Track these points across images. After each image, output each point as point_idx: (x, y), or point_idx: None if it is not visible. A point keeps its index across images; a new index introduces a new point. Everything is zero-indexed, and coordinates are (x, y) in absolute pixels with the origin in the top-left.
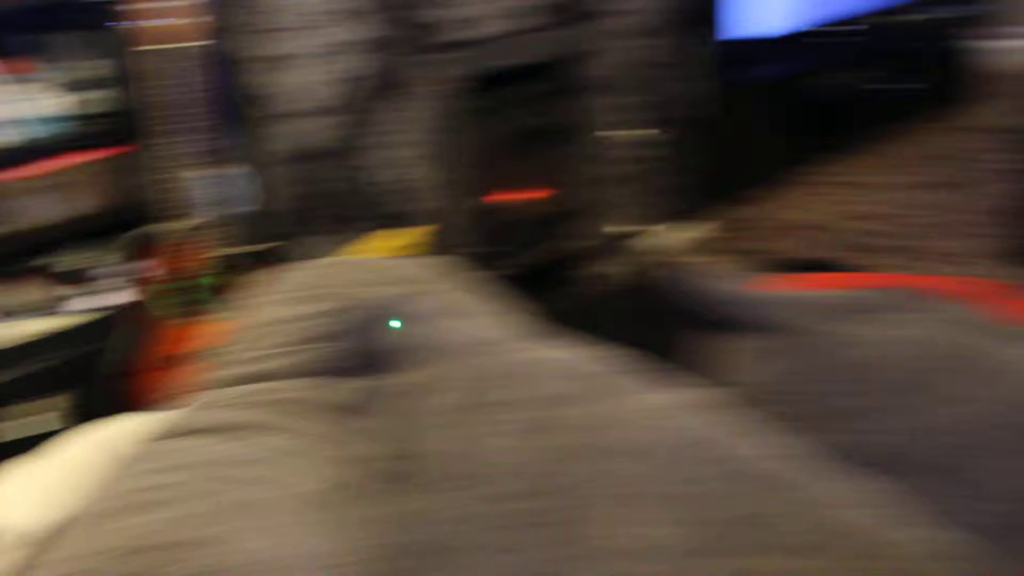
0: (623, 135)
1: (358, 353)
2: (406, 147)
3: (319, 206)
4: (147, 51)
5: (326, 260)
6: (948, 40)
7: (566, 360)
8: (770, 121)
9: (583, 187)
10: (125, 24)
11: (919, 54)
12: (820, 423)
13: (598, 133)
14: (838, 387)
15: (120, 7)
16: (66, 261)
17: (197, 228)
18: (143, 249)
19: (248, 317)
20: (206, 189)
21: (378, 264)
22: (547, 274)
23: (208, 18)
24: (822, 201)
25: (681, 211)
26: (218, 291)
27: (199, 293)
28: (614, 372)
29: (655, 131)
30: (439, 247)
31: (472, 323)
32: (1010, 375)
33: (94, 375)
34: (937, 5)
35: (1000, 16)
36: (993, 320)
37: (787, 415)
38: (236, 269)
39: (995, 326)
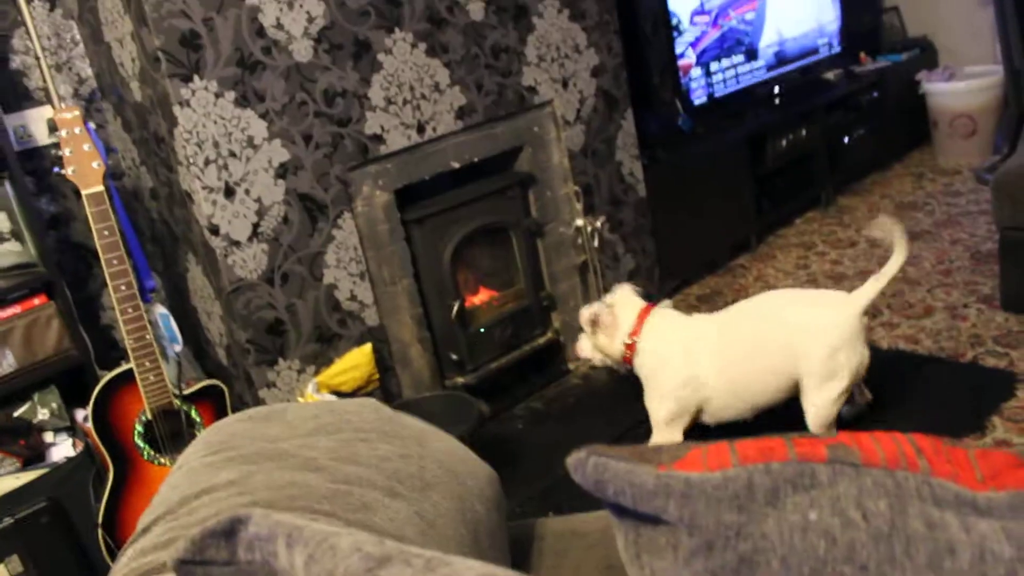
0: (576, 224)
1: None
2: (343, 266)
3: (259, 337)
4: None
5: (245, 413)
6: (896, 86)
7: None
8: (727, 187)
9: (545, 280)
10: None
11: (872, 103)
12: None
13: (551, 225)
14: None
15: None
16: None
17: (148, 369)
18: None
19: (161, 490)
20: (156, 329)
21: (298, 412)
22: (521, 373)
23: (117, 159)
24: (789, 264)
25: (644, 293)
26: (158, 437)
27: (143, 440)
28: None
29: (603, 217)
30: (388, 364)
31: (345, 542)
32: (963, 553)
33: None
34: (883, 55)
35: (942, 59)
36: (935, 486)
37: None
38: (174, 414)
39: (937, 493)
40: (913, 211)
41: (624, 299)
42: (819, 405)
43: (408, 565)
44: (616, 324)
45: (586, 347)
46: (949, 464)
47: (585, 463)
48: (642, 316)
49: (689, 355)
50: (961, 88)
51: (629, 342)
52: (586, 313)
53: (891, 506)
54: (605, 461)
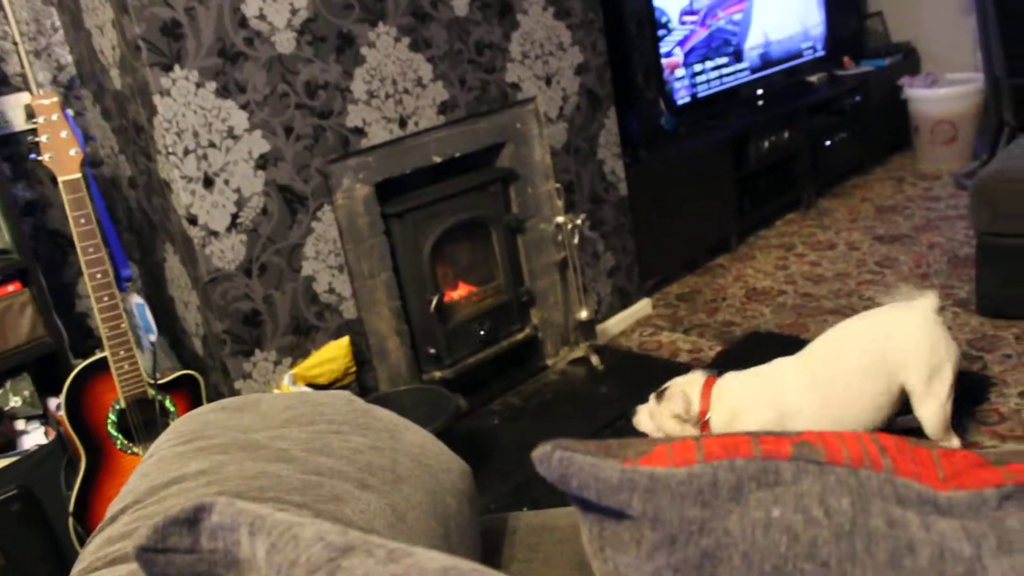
0: (557, 221)
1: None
2: (322, 258)
3: (236, 328)
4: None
5: (218, 403)
6: (879, 91)
7: None
8: (708, 187)
9: (525, 276)
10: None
11: (854, 107)
12: None
13: (532, 221)
14: None
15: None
16: None
17: (122, 358)
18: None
19: (132, 480)
20: (131, 318)
21: (272, 403)
22: (498, 368)
23: (94, 148)
24: (767, 265)
25: (623, 290)
26: (132, 427)
27: (116, 429)
28: None
29: (584, 215)
30: (365, 357)
31: (311, 531)
32: (923, 551)
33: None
34: (867, 59)
35: (925, 66)
36: (898, 484)
37: None
38: (148, 403)
39: (899, 492)
40: (893, 215)
41: (691, 383)
42: (933, 408)
43: (370, 555)
44: (691, 411)
45: (648, 426)
46: (912, 463)
47: (551, 456)
48: (706, 392)
49: (773, 396)
50: (943, 94)
51: (703, 422)
52: (678, 409)
53: (853, 504)
54: (570, 455)
